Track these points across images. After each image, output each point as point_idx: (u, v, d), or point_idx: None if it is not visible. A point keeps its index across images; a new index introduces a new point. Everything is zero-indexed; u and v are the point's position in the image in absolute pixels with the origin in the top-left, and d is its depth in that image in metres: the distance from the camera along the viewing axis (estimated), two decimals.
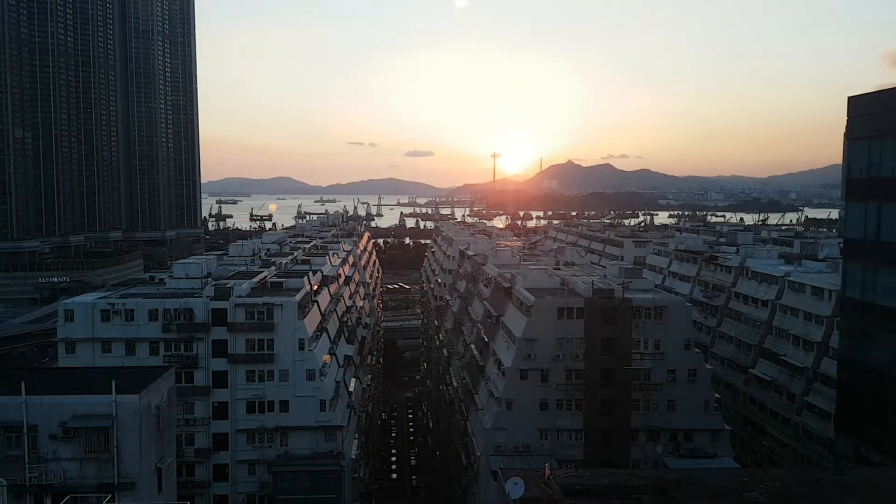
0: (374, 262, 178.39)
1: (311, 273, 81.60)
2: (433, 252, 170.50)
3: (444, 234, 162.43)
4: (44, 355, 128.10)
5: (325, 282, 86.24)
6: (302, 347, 68.33)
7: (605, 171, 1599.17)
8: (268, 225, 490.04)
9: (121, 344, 66.97)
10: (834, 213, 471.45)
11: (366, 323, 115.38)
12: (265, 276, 78.78)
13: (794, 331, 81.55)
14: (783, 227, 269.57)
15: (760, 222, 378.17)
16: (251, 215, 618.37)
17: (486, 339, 76.22)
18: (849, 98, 54.88)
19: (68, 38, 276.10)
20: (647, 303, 66.25)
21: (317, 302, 77.27)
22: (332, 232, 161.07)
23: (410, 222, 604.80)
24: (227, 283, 71.53)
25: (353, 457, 72.05)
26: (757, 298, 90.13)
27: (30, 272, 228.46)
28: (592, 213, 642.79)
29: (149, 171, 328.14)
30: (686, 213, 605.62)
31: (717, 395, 69.90)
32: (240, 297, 69.04)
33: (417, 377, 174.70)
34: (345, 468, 67.38)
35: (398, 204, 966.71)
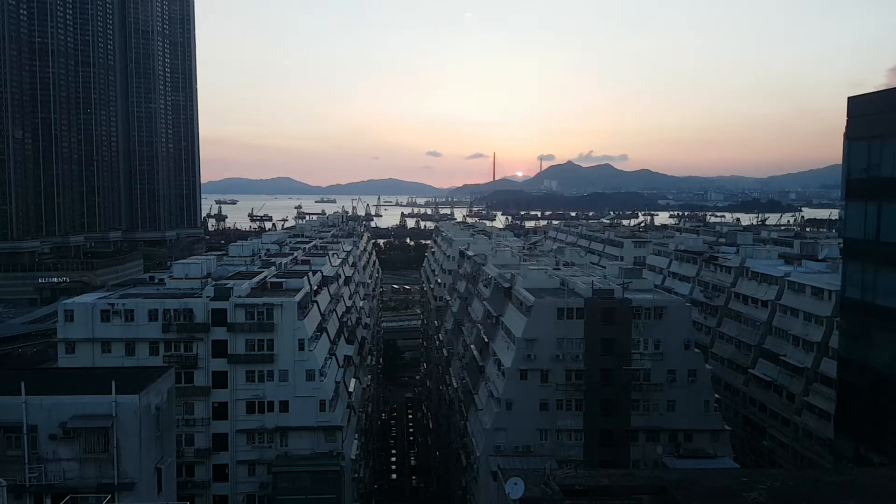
0: (374, 262, 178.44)
1: (310, 273, 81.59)
2: (433, 252, 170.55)
3: (444, 234, 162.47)
4: (44, 356, 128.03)
5: (325, 282, 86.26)
6: (302, 348, 68.34)
7: (604, 171, 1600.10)
8: (268, 225, 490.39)
9: (121, 344, 66.96)
10: (834, 214, 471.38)
11: (366, 323, 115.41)
12: (265, 277, 78.80)
13: (794, 331, 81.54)
14: (782, 228, 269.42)
15: (759, 223, 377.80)
16: (250, 215, 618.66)
17: (486, 340, 76.23)
18: (849, 98, 54.86)
19: (68, 39, 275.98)
20: (646, 303, 66.28)
21: (317, 302, 77.28)
22: (332, 232, 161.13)
23: (410, 222, 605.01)
24: (227, 284, 71.53)
25: (353, 457, 72.06)
26: (757, 299, 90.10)
27: (30, 272, 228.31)
28: (592, 213, 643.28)
29: (149, 171, 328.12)
30: (686, 213, 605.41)
31: (717, 396, 69.92)
32: (240, 297, 69.04)
33: (417, 377, 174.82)
34: (345, 468, 67.39)
35: (397, 204, 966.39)
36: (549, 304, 66.75)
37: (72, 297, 74.88)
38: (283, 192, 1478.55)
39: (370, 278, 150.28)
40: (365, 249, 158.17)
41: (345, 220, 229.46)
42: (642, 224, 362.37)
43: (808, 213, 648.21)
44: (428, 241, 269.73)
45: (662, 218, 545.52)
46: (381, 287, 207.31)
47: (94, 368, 60.62)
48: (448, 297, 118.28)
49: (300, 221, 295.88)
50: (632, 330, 65.54)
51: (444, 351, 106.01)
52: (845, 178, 56.56)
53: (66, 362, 66.28)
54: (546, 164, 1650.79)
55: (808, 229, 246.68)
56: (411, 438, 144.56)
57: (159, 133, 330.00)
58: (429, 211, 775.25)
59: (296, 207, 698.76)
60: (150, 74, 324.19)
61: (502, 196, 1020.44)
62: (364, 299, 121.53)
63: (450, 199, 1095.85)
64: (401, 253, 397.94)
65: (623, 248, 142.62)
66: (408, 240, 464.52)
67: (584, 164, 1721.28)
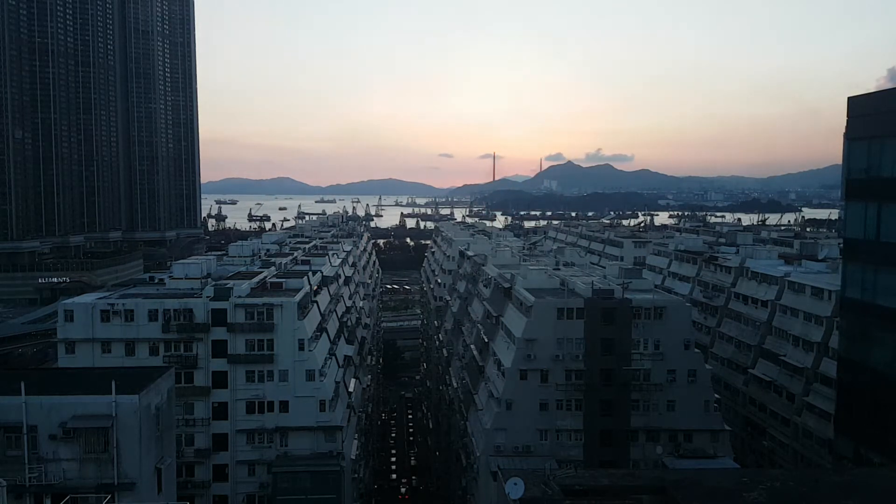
0: (374, 262, 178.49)
1: (310, 273, 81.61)
2: (433, 252, 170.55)
3: (443, 234, 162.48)
4: (44, 356, 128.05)
5: (325, 282, 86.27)
6: (302, 348, 68.35)
7: (604, 171, 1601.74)
8: (267, 225, 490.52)
9: (120, 344, 66.97)
10: (834, 214, 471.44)
11: (366, 323, 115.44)
12: (265, 277, 78.80)
13: (794, 331, 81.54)
14: (782, 228, 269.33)
15: (759, 223, 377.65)
16: (250, 216, 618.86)
17: (486, 340, 76.23)
18: (849, 98, 54.89)
19: (68, 39, 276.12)
20: (646, 303, 66.26)
21: (316, 302, 77.29)
22: (332, 232, 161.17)
23: (410, 222, 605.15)
24: (226, 284, 71.54)
25: (353, 457, 72.08)
26: (757, 299, 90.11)
27: (30, 272, 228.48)
28: (591, 213, 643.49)
29: (149, 171, 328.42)
30: (686, 213, 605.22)
31: (716, 396, 69.93)
32: (240, 297, 69.05)
33: (417, 377, 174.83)
34: (344, 468, 67.39)
35: (397, 204, 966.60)
36: (549, 304, 66.75)
37: (72, 297, 74.86)
38: (284, 192, 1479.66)
39: (370, 278, 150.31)
40: (365, 249, 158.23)
41: (345, 220, 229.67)
42: (642, 224, 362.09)
43: (808, 213, 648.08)
44: (428, 241, 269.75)
45: (662, 218, 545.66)
46: (381, 287, 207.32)
47: (94, 368, 60.59)
48: (448, 297, 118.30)
49: (300, 221, 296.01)
50: (632, 330, 65.53)
51: (444, 351, 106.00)
52: (845, 178, 56.60)
53: (66, 362, 66.26)
54: (552, 164, 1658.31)
55: (808, 229, 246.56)
56: (411, 438, 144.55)
57: (159, 133, 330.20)
58: (429, 211, 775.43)
59: (280, 209, 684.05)
60: (150, 74, 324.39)
61: (502, 196, 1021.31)
62: (364, 299, 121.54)
63: (450, 200, 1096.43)
64: (401, 253, 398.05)
65: (623, 248, 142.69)
66: (408, 240, 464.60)
67: (597, 164, 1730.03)
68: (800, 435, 77.47)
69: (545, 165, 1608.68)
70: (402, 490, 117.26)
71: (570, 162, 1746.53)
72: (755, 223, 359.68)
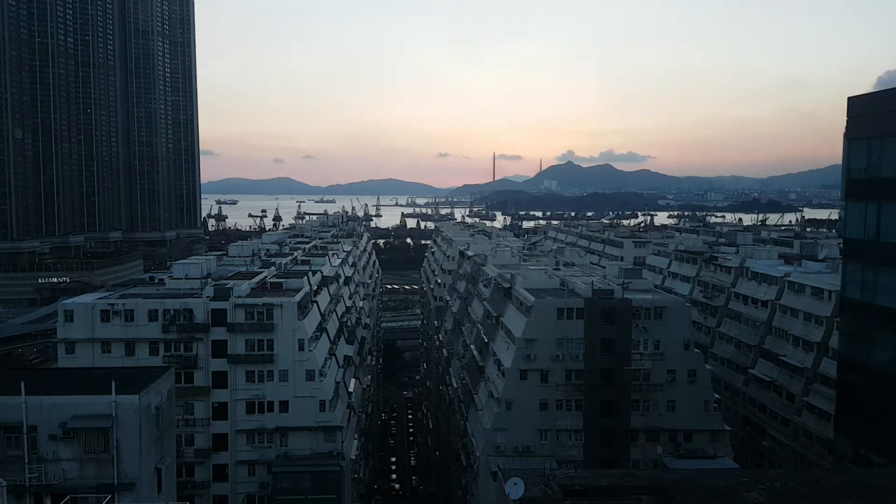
0: (374, 262, 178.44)
1: (310, 273, 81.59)
2: (433, 252, 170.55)
3: (443, 234, 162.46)
4: (44, 356, 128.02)
5: (325, 282, 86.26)
6: (302, 348, 68.35)
7: (604, 171, 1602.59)
8: (268, 225, 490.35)
9: (120, 344, 66.95)
10: (834, 214, 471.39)
11: (366, 323, 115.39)
12: (265, 277, 78.80)
13: (794, 331, 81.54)
14: (782, 228, 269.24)
15: (760, 223, 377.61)
16: (256, 216, 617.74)
17: (486, 340, 76.23)
18: (849, 98, 54.84)
19: (68, 39, 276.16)
20: (646, 303, 66.28)
21: (316, 302, 77.28)
22: (332, 232, 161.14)
23: (410, 222, 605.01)
24: (226, 284, 71.52)
25: (353, 457, 72.09)
26: (757, 299, 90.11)
27: (29, 272, 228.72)
28: (591, 213, 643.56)
29: (149, 171, 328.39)
30: (686, 213, 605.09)
31: (716, 396, 69.93)
32: (240, 297, 69.04)
33: (417, 377, 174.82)
34: (344, 469, 67.40)
35: (396, 205, 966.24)
36: (549, 304, 66.76)
37: (72, 297, 74.85)
38: (284, 192, 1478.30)
39: (370, 278, 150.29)
40: (365, 249, 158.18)
41: (345, 220, 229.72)
42: (642, 224, 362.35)
43: (808, 213, 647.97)
44: (428, 241, 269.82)
45: (662, 218, 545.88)
46: (381, 287, 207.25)
47: (94, 368, 60.62)
48: (448, 297, 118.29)
49: (300, 221, 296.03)
50: (632, 330, 65.55)
51: (444, 351, 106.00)
52: (845, 178, 56.54)
53: (66, 362, 66.25)
54: (560, 163, 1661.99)
55: (808, 229, 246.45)
56: (411, 438, 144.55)
57: (159, 133, 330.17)
58: (429, 211, 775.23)
59: (262, 210, 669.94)
60: (150, 74, 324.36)
61: (502, 196, 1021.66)
62: (364, 299, 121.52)
63: (450, 200, 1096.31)
64: (401, 253, 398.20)
65: (623, 248, 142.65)
66: (408, 240, 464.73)
67: (597, 164, 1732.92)
68: (800, 435, 77.48)
69: (546, 165, 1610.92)
70: (397, 486, 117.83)
71: (570, 162, 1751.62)
72: (755, 223, 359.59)
